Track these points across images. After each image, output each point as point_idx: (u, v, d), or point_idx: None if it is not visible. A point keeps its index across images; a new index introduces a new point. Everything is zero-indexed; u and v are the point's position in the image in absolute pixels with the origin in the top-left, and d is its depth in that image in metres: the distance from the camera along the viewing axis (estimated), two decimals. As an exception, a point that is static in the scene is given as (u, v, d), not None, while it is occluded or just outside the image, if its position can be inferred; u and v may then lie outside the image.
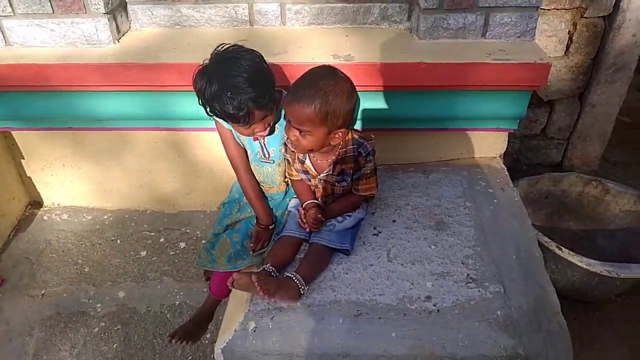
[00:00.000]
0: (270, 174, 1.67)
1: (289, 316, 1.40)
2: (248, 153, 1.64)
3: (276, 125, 1.58)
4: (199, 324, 1.73)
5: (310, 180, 1.58)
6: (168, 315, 1.87)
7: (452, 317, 1.37)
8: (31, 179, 2.26)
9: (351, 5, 1.88)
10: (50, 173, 2.22)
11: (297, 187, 1.63)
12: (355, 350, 1.35)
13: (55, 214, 2.28)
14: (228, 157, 1.66)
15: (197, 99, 1.45)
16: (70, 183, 2.24)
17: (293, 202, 1.67)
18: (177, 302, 1.91)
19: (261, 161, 1.64)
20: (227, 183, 2.14)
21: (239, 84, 1.35)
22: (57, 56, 1.80)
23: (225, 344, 1.38)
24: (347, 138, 1.46)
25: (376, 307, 1.42)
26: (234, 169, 1.67)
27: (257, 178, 1.68)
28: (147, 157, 2.14)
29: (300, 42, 1.82)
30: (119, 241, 2.16)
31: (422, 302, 1.42)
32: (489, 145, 2.02)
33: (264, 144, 1.61)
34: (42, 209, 2.32)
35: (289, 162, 1.59)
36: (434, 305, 1.41)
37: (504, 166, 2.01)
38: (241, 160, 1.63)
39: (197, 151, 2.11)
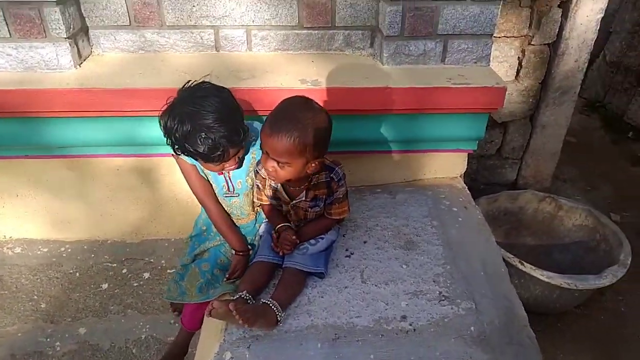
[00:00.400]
0: (239, 206, 1.65)
1: (266, 344, 1.38)
2: (215, 189, 1.62)
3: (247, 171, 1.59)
4: (174, 358, 1.66)
5: (282, 206, 1.58)
6: (134, 351, 1.80)
7: (429, 336, 1.39)
8: (-20, 211, 2.13)
9: (316, 32, 1.93)
10: (2, 204, 2.10)
11: (267, 212, 1.63)
12: (334, 374, 1.34)
13: (7, 248, 2.15)
14: (193, 191, 1.61)
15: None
16: (24, 214, 2.13)
17: (263, 227, 1.66)
18: (143, 336, 1.84)
19: (226, 196, 1.61)
20: (193, 209, 2.10)
21: (212, 123, 1.32)
22: (15, 81, 1.73)
23: (200, 376, 1.34)
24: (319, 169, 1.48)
25: (353, 329, 1.42)
26: (201, 202, 1.63)
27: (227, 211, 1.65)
28: (108, 185, 2.07)
29: (267, 68, 1.84)
30: (77, 274, 2.06)
31: (399, 322, 1.43)
32: (450, 166, 2.09)
33: (229, 178, 1.58)
34: (-8, 242, 2.18)
35: (258, 188, 1.58)
36: (410, 325, 1.42)
37: (465, 185, 2.08)
38: (207, 193, 1.59)
39: (161, 177, 2.06)
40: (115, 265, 2.10)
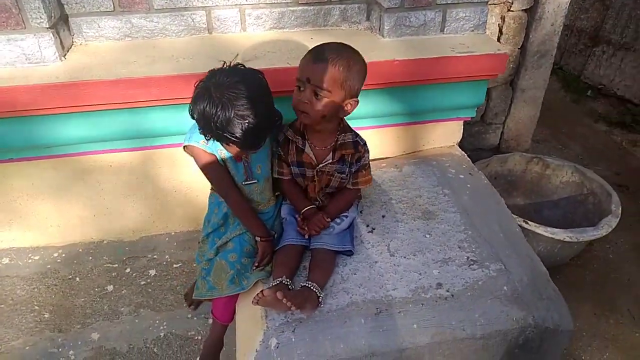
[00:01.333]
0: (259, 192, 1.58)
1: (310, 326, 1.37)
2: (235, 180, 1.54)
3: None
4: (212, 356, 1.62)
5: (305, 175, 1.54)
6: (155, 350, 1.74)
7: (466, 299, 1.44)
8: (-42, 222, 1.96)
9: (312, 7, 1.88)
10: (-18, 213, 1.95)
11: (289, 192, 1.60)
12: (381, 347, 1.36)
13: (-6, 259, 2.01)
14: (214, 182, 1.55)
15: (187, 114, 1.36)
16: (9, 222, 1.98)
17: (285, 209, 1.63)
18: (162, 334, 1.78)
19: (245, 183, 1.54)
20: (192, 201, 2.05)
21: (254, 108, 1.28)
22: (-5, 79, 1.59)
23: (249, 366, 1.32)
24: (343, 124, 1.50)
25: (393, 302, 1.44)
26: (222, 192, 1.55)
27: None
28: (100, 183, 1.96)
29: (267, 47, 1.79)
30: (78, 279, 1.95)
31: (435, 289, 1.47)
32: (447, 135, 2.13)
33: (248, 164, 1.52)
34: (-25, 255, 2.02)
35: (279, 159, 1.54)
36: (447, 291, 1.46)
37: (463, 153, 2.13)
38: (229, 182, 1.51)
39: (157, 171, 1.97)
40: (116, 265, 2.01)
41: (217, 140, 1.37)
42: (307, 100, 1.37)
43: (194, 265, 1.67)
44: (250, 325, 1.42)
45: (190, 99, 1.61)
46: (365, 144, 1.54)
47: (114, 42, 1.83)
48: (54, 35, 1.64)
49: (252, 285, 1.49)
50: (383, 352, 1.36)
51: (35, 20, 1.60)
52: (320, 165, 1.51)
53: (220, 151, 1.47)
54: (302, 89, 1.38)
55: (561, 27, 2.43)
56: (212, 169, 1.49)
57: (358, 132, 1.57)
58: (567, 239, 1.95)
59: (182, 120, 1.72)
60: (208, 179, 1.54)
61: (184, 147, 1.50)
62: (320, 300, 1.40)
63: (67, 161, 1.86)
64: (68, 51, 1.75)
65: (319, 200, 1.60)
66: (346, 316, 1.40)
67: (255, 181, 1.55)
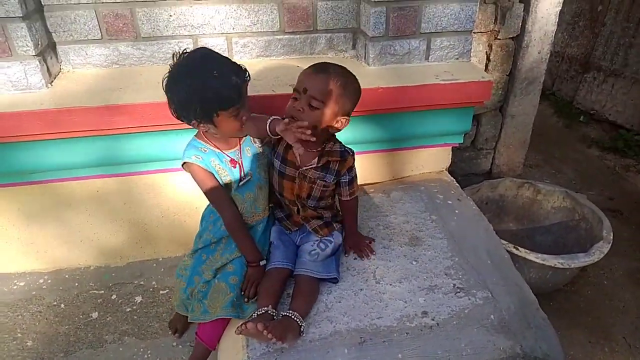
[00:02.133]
0: (253, 200, 1.57)
1: (292, 356, 1.35)
2: (230, 187, 1.55)
3: (246, 148, 1.56)
4: None
5: (286, 173, 1.53)
6: (138, 379, 1.70)
7: (452, 328, 1.41)
8: (-57, 249, 1.95)
9: (298, 36, 1.91)
10: (-32, 239, 1.93)
11: None
12: (365, 378, 1.33)
13: (-22, 286, 1.98)
14: (211, 198, 1.54)
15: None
16: (-7, 248, 1.97)
17: (274, 233, 1.62)
18: (146, 363, 1.74)
19: (241, 187, 1.54)
20: (180, 226, 2.03)
21: (220, 69, 1.35)
22: (-19, 105, 1.60)
23: (228, 398, 1.29)
24: (332, 137, 1.53)
25: (378, 331, 1.41)
26: (218, 208, 1.55)
27: (242, 212, 1.57)
28: (87, 209, 1.95)
29: (253, 75, 1.78)
30: (62, 305, 1.93)
31: (420, 318, 1.44)
32: (436, 160, 2.13)
33: (242, 165, 1.54)
34: (-41, 282, 2.00)
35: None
36: (432, 320, 1.44)
37: (452, 178, 2.13)
38: (225, 198, 1.52)
39: (145, 196, 1.97)
40: (102, 292, 1.98)
41: (207, 116, 1.38)
42: (301, 108, 1.39)
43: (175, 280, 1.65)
44: (232, 353, 1.40)
45: (174, 126, 1.64)
46: (353, 153, 1.55)
47: (101, 69, 1.85)
48: (40, 63, 1.67)
49: (249, 316, 1.44)
50: (367, 383, 1.33)
51: (22, 47, 1.62)
52: (304, 168, 1.50)
53: (213, 161, 1.49)
54: (297, 98, 1.41)
55: (548, 55, 2.46)
56: (208, 183, 1.49)
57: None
58: (559, 265, 1.93)
59: (168, 146, 1.74)
60: (204, 193, 1.53)
61: (182, 164, 1.50)
62: (301, 329, 1.37)
63: (53, 187, 1.86)
64: (55, 78, 1.77)
65: (297, 205, 1.57)
66: (329, 346, 1.37)
67: (250, 177, 1.55)
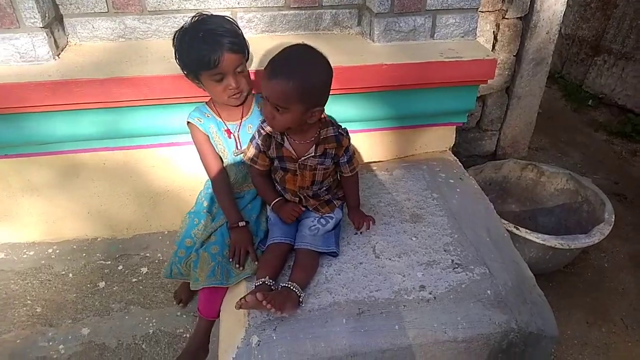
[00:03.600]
0: (246, 172, 1.68)
1: (292, 325, 1.38)
2: (225, 155, 1.65)
3: (249, 125, 1.62)
4: (196, 351, 1.62)
5: (287, 168, 1.54)
6: (144, 346, 1.75)
7: (449, 302, 1.44)
8: (-45, 218, 2.00)
9: (303, 12, 1.91)
10: (-21, 209, 1.98)
11: (259, 184, 1.64)
12: (362, 348, 1.36)
13: (-11, 254, 2.04)
14: (203, 160, 1.66)
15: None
16: (4, 217, 2.01)
17: (272, 210, 1.65)
18: (151, 331, 1.79)
19: (236, 156, 1.65)
20: (185, 200, 2.06)
21: (209, 32, 1.43)
22: (-10, 76, 1.62)
23: (229, 363, 1.33)
24: (324, 118, 1.50)
25: (375, 303, 1.44)
26: (208, 171, 1.66)
27: (234, 178, 1.68)
28: (94, 181, 1.99)
29: (259, 50, 1.80)
30: (71, 275, 1.98)
31: (418, 291, 1.47)
32: (440, 140, 2.14)
33: (238, 138, 1.64)
34: (-29, 250, 2.06)
35: (259, 150, 1.54)
36: (430, 293, 1.46)
37: (456, 158, 2.14)
38: (216, 163, 1.65)
39: (151, 169, 1.99)
40: (109, 262, 2.03)
41: (192, 73, 1.50)
42: (269, 114, 1.39)
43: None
44: (233, 322, 1.43)
45: (180, 99, 1.67)
46: (347, 132, 1.53)
47: (107, 42, 1.86)
48: (47, 35, 1.68)
49: (234, 283, 1.51)
50: (364, 353, 1.36)
51: (30, 19, 1.64)
52: (302, 159, 1.51)
53: (212, 127, 1.61)
54: (266, 101, 1.39)
55: (557, 35, 2.44)
56: (202, 144, 1.63)
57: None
58: (559, 246, 1.94)
59: (174, 119, 1.76)
60: (198, 152, 1.65)
61: (187, 122, 1.63)
62: (300, 300, 1.41)
63: (61, 158, 1.90)
64: (62, 50, 1.79)
65: (299, 196, 1.59)
66: (328, 316, 1.40)
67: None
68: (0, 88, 1.61)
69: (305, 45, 1.40)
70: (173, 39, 1.51)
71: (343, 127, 1.55)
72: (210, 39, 1.43)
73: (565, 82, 3.94)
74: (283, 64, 1.33)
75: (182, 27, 1.49)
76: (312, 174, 1.54)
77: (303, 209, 1.60)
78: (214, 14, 1.52)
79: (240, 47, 1.49)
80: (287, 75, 1.30)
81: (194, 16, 1.50)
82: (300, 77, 1.31)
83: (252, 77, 1.67)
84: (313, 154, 1.49)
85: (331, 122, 1.53)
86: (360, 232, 1.66)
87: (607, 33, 3.60)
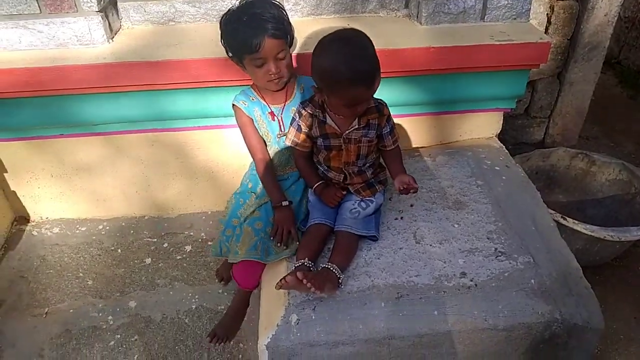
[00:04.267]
0: (289, 155, 1.71)
1: (331, 305, 1.40)
2: (268, 138, 1.69)
3: (292, 108, 1.64)
4: (234, 319, 1.73)
5: (331, 145, 1.55)
6: (186, 320, 1.82)
7: (490, 290, 1.42)
8: (15, 193, 2.11)
9: (350, -6, 1.89)
10: (37, 185, 2.09)
11: (302, 166, 1.66)
12: (400, 332, 1.36)
13: (46, 229, 2.15)
14: (247, 142, 1.69)
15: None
16: (59, 194, 2.12)
17: (312, 193, 1.66)
18: (194, 307, 1.86)
19: (280, 138, 1.67)
20: (228, 182, 2.11)
21: (253, 16, 1.45)
22: (49, 58, 1.70)
23: (269, 340, 1.36)
24: None
25: (415, 288, 1.44)
26: (252, 153, 1.70)
27: (277, 161, 1.71)
28: (143, 161, 2.06)
29: (308, 33, 1.81)
30: (119, 250, 2.07)
31: (459, 278, 1.46)
32: (485, 126, 2.09)
33: (282, 121, 1.67)
34: (29, 224, 2.18)
35: (299, 130, 1.56)
36: (471, 280, 1.45)
37: (502, 145, 2.08)
38: (259, 145, 1.69)
39: (197, 151, 2.05)
40: (155, 240, 2.11)
41: (236, 56, 1.53)
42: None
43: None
44: (273, 300, 1.46)
45: (226, 82, 1.71)
46: (386, 104, 1.55)
47: (158, 26, 1.91)
48: (102, 19, 1.74)
49: (273, 260, 1.55)
50: (401, 336, 1.37)
51: (86, 4, 1.70)
52: (347, 132, 1.51)
53: (256, 110, 1.64)
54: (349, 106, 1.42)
55: (615, 18, 2.32)
56: (246, 127, 1.67)
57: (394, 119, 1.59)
58: (608, 238, 1.87)
59: (220, 103, 1.80)
60: (242, 134, 1.69)
61: (232, 105, 1.66)
62: (340, 281, 1.42)
63: (112, 139, 1.97)
64: (116, 34, 1.85)
65: (345, 173, 1.59)
66: (367, 298, 1.41)
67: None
68: (59, 70, 1.68)
69: (349, 29, 1.45)
70: (220, 21, 1.53)
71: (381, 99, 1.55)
72: (254, 23, 1.44)
73: (622, 68, 3.74)
74: (359, 63, 1.32)
75: (230, 9, 1.52)
76: (357, 147, 1.54)
77: (344, 193, 1.60)
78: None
79: (283, 32, 1.49)
80: (369, 74, 1.34)
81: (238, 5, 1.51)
82: (377, 67, 1.36)
83: (295, 61, 1.68)
84: (357, 126, 1.50)
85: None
86: (404, 193, 1.52)
87: (670, 16, 3.38)
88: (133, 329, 1.79)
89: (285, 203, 1.60)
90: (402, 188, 1.49)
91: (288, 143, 1.61)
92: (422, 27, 1.83)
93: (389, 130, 1.55)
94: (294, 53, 1.70)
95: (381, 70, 1.37)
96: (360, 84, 1.33)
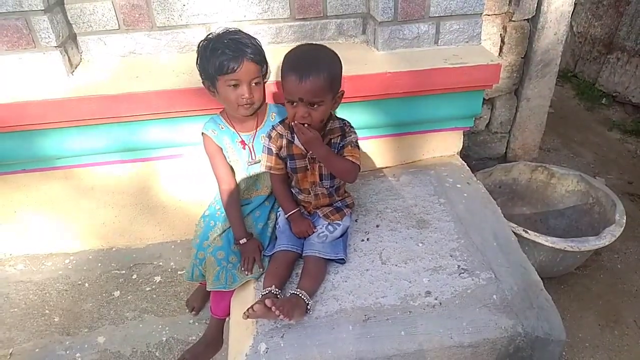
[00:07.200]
0: (256, 179, 1.73)
1: (299, 332, 1.41)
2: (237, 166, 1.69)
3: (262, 135, 1.65)
4: (206, 346, 1.73)
5: (297, 167, 1.58)
6: (157, 354, 1.79)
7: (454, 307, 1.45)
8: (-23, 231, 2.07)
9: (308, 22, 1.94)
10: (-1, 222, 2.06)
11: (278, 191, 1.67)
12: (368, 354, 1.38)
13: (10, 265, 2.11)
14: (214, 172, 1.69)
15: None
16: (23, 230, 2.08)
17: (283, 218, 1.68)
18: (164, 339, 1.84)
19: (249, 166, 1.69)
20: (196, 209, 2.09)
21: (234, 40, 1.49)
22: (8, 94, 1.69)
23: (238, 370, 1.36)
24: (331, 114, 1.55)
25: (381, 309, 1.46)
26: (220, 182, 1.69)
27: (244, 186, 1.72)
28: (108, 193, 2.05)
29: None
30: (87, 284, 2.04)
31: (424, 297, 1.48)
32: (447, 145, 2.15)
33: (252, 149, 1.68)
34: (-8, 261, 2.13)
35: (270, 153, 1.59)
36: (435, 299, 1.47)
37: (463, 162, 2.14)
38: (226, 175, 1.69)
39: (162, 181, 2.05)
40: (124, 272, 2.09)
41: (210, 77, 1.53)
42: (305, 114, 1.43)
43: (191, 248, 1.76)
44: (241, 329, 1.46)
45: (189, 112, 1.72)
46: (351, 125, 1.58)
47: (119, 58, 1.92)
48: (62, 53, 1.75)
49: (238, 286, 1.57)
50: (370, 359, 1.38)
51: (45, 39, 1.70)
52: (310, 152, 1.54)
53: (225, 139, 1.65)
54: (295, 104, 1.43)
55: (565, 36, 2.43)
56: (214, 156, 1.67)
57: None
58: (568, 249, 1.93)
59: (184, 132, 1.81)
60: (210, 163, 1.69)
61: (202, 133, 1.66)
62: (308, 307, 1.43)
63: (76, 172, 1.96)
64: (76, 68, 1.85)
65: (311, 192, 1.62)
66: (335, 323, 1.43)
67: (258, 161, 1.67)
68: (17, 107, 1.67)
69: (310, 43, 1.53)
70: (198, 45, 1.55)
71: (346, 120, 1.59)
72: (234, 46, 1.48)
73: (578, 81, 3.90)
74: (308, 63, 1.40)
75: (209, 35, 1.55)
76: (319, 167, 1.57)
77: (315, 229, 1.62)
78: (241, 30, 1.57)
79: (261, 59, 1.53)
80: (316, 71, 1.38)
81: (220, 28, 1.55)
82: (326, 69, 1.40)
83: (274, 88, 1.72)
84: None
85: (336, 116, 1.58)
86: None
87: (620, 30, 3.55)
88: (102, 366, 1.76)
89: (243, 241, 1.62)
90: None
91: (263, 169, 1.63)
92: (379, 52, 1.89)
93: (343, 144, 1.55)
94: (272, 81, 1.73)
95: (339, 87, 1.45)
96: (293, 72, 1.38)
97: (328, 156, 1.51)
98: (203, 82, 1.58)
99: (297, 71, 1.38)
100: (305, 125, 1.44)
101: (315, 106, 1.42)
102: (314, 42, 1.55)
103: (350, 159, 1.53)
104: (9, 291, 2.01)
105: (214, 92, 1.57)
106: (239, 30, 1.55)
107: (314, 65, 1.39)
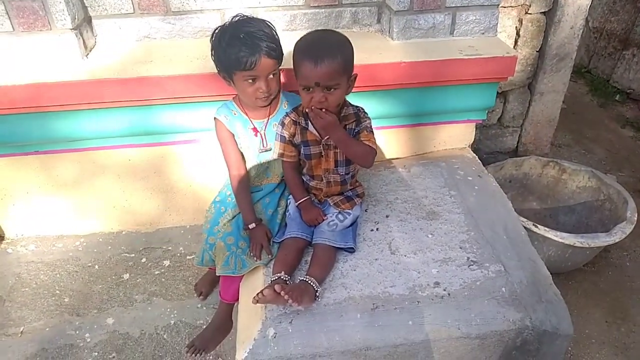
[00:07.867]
0: (267, 167, 1.73)
1: (307, 318, 1.42)
2: (248, 153, 1.69)
3: (275, 123, 1.65)
4: (215, 330, 1.74)
5: (311, 153, 1.58)
6: (165, 336, 1.81)
7: (463, 299, 1.45)
8: (-11, 211, 2.10)
9: (323, 10, 1.93)
10: (11, 202, 2.07)
11: (289, 178, 1.67)
12: (376, 342, 1.39)
13: (21, 246, 2.13)
14: (226, 158, 1.69)
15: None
16: (35, 211, 2.10)
17: (293, 206, 1.68)
18: (172, 322, 1.85)
19: (261, 153, 1.69)
20: (207, 195, 2.11)
21: (256, 32, 1.47)
22: (23, 76, 1.69)
23: (246, 354, 1.37)
24: (346, 102, 1.55)
25: (390, 298, 1.46)
26: (230, 168, 1.70)
27: (255, 173, 1.72)
28: (120, 176, 2.06)
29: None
30: (97, 266, 2.06)
31: (432, 288, 1.49)
32: (459, 137, 2.14)
33: (264, 136, 1.67)
34: (4, 242, 2.15)
35: (284, 140, 1.59)
36: (444, 290, 1.48)
37: (475, 155, 2.13)
38: (237, 161, 1.69)
39: (174, 166, 2.05)
40: (133, 255, 2.10)
41: (226, 71, 1.52)
42: (321, 98, 1.42)
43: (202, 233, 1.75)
44: (250, 314, 1.47)
45: (203, 97, 1.71)
46: (365, 111, 1.58)
47: (134, 42, 1.92)
48: (77, 36, 1.75)
49: (247, 271, 1.58)
50: (377, 347, 1.39)
51: (60, 21, 1.70)
52: (326, 138, 1.55)
53: (238, 125, 1.64)
54: (311, 90, 1.42)
55: (581, 31, 2.40)
56: (225, 141, 1.67)
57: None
58: (578, 244, 1.92)
59: (196, 118, 1.81)
60: (221, 148, 1.69)
61: (214, 118, 1.66)
62: (317, 294, 1.44)
63: (88, 155, 1.97)
64: (90, 51, 1.86)
65: (324, 178, 1.62)
66: (343, 310, 1.43)
67: (270, 149, 1.67)
68: (32, 88, 1.68)
69: (318, 30, 1.52)
70: (211, 36, 1.53)
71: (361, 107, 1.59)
72: (250, 41, 1.46)
73: (592, 77, 3.86)
74: (321, 47, 1.40)
75: (223, 25, 1.53)
76: (335, 153, 1.57)
77: (325, 217, 1.62)
78: (254, 17, 1.56)
79: (277, 53, 1.52)
80: (330, 55, 1.37)
81: (234, 16, 1.53)
82: (340, 51, 1.40)
83: (283, 77, 1.71)
84: None
85: (349, 103, 1.57)
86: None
87: (637, 26, 3.50)
88: (111, 346, 1.78)
89: (252, 226, 1.62)
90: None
91: (275, 156, 1.63)
92: (394, 42, 1.87)
93: (358, 130, 1.55)
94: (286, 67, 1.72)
95: (352, 70, 1.45)
96: (307, 58, 1.38)
97: (346, 140, 1.51)
98: (218, 72, 1.57)
99: (311, 56, 1.38)
100: (323, 110, 1.44)
101: (332, 90, 1.42)
102: (324, 29, 1.56)
103: (368, 143, 1.53)
104: (20, 271, 2.03)
105: (230, 82, 1.57)
106: (253, 19, 1.53)
107: (328, 49, 1.39)
